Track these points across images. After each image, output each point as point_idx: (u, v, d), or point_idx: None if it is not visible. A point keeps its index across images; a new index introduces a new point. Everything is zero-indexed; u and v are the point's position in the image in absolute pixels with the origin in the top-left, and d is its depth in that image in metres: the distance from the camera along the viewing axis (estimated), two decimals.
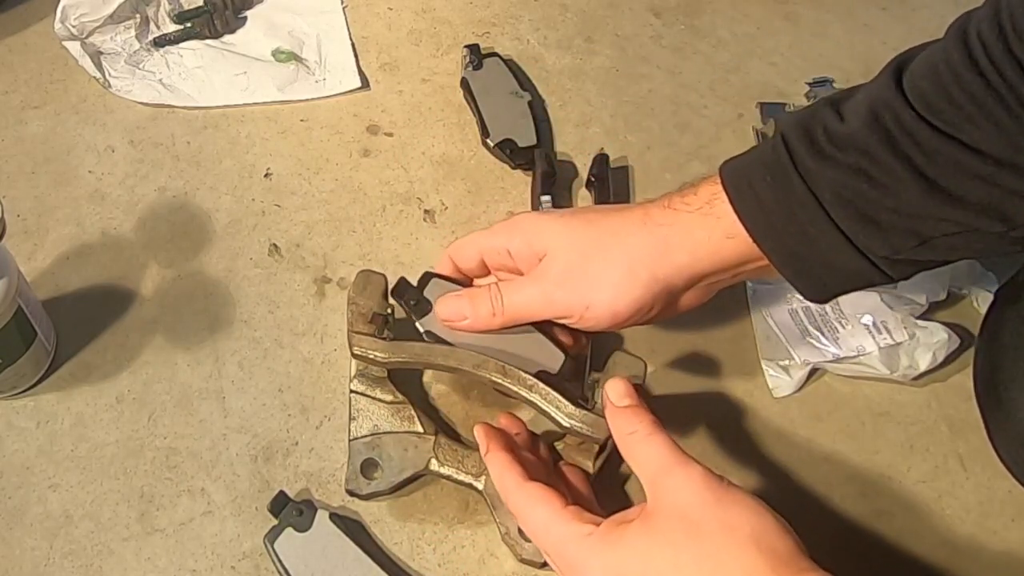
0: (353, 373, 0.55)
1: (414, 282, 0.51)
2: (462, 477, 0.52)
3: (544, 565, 0.51)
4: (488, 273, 0.53)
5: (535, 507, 0.43)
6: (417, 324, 0.51)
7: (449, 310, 0.49)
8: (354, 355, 0.50)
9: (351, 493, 0.52)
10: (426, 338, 0.50)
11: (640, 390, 0.47)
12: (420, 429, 0.53)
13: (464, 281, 0.52)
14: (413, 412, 0.54)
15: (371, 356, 0.49)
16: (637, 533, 0.39)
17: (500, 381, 0.47)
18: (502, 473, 0.45)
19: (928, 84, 0.41)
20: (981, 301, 0.65)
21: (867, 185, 0.42)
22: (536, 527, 0.43)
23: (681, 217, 0.46)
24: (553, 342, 0.50)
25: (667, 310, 0.49)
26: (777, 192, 0.44)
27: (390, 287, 0.52)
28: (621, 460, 0.44)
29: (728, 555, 0.37)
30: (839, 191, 0.43)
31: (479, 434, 0.48)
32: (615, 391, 0.45)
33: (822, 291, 0.47)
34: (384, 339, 0.50)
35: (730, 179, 0.46)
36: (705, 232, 0.46)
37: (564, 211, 0.50)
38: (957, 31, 0.42)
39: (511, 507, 0.45)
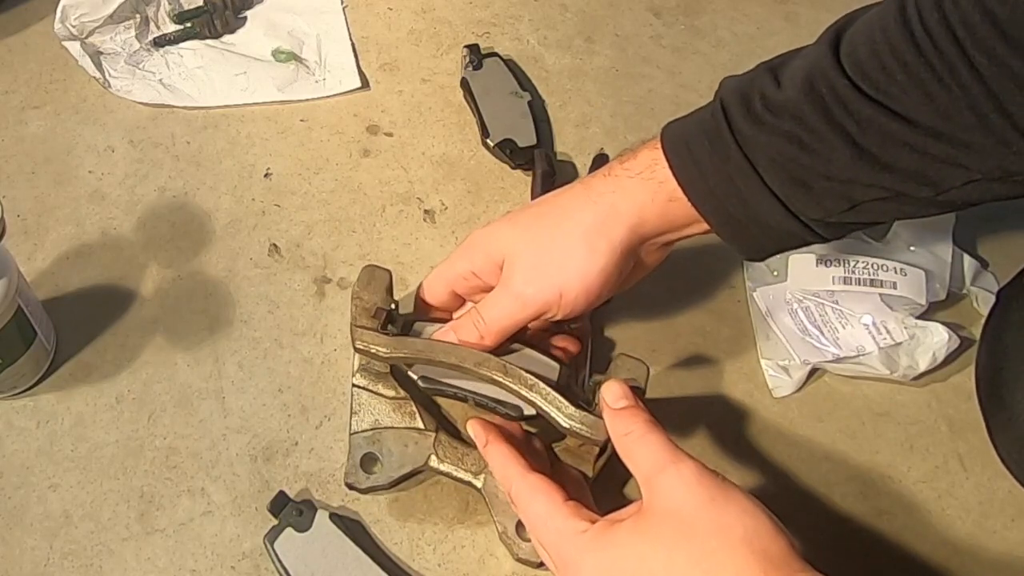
0: (356, 367, 0.55)
1: (412, 284, 0.51)
2: (461, 475, 0.52)
3: (541, 565, 0.51)
4: (463, 303, 0.53)
5: (535, 498, 0.43)
6: (410, 373, 0.51)
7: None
8: (357, 350, 0.50)
9: (350, 486, 0.52)
10: (421, 383, 0.51)
11: (640, 393, 0.47)
12: (421, 425, 0.53)
13: (444, 318, 0.53)
14: (414, 408, 0.54)
15: (373, 351, 0.49)
16: (631, 532, 0.39)
17: (501, 380, 0.47)
18: (504, 463, 0.46)
19: (863, 51, 0.42)
20: (981, 301, 0.65)
21: (800, 151, 0.43)
22: (535, 519, 0.43)
23: (623, 183, 0.48)
24: (546, 355, 0.50)
25: (635, 272, 0.51)
26: (714, 157, 0.45)
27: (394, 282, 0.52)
28: (621, 464, 0.44)
29: (721, 556, 0.37)
30: (774, 157, 0.44)
31: (475, 428, 0.49)
32: (611, 393, 0.45)
33: (759, 251, 0.49)
34: (387, 334, 0.50)
35: (670, 144, 0.47)
36: (648, 195, 0.47)
37: (511, 212, 0.51)
38: (896, 1, 0.42)
39: (512, 496, 0.45)
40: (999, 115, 0.39)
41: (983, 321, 0.62)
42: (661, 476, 0.40)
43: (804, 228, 0.46)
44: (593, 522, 0.41)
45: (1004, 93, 0.38)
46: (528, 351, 0.50)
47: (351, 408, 0.54)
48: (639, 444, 0.42)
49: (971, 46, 0.38)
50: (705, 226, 0.48)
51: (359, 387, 0.54)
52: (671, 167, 0.46)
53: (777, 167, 0.44)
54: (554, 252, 0.47)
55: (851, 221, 0.45)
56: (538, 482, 0.44)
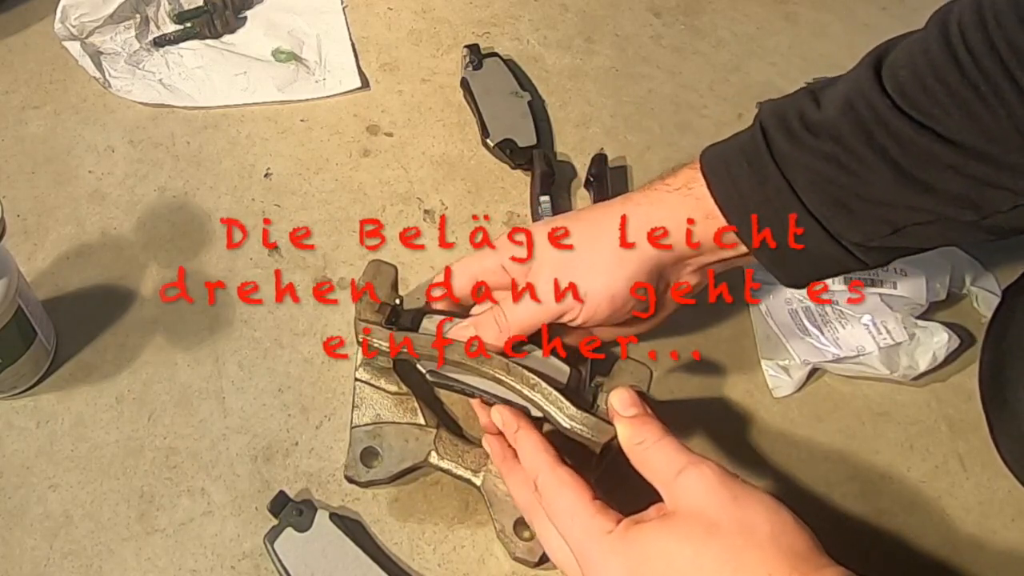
0: (359, 362, 0.55)
1: (413, 284, 0.51)
2: (461, 472, 0.52)
3: (538, 564, 0.51)
4: (480, 300, 0.53)
5: (563, 492, 0.43)
6: (419, 366, 0.51)
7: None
8: (361, 344, 0.50)
9: (350, 480, 0.52)
10: (429, 377, 0.51)
11: (645, 397, 0.47)
12: (422, 421, 0.53)
13: (457, 311, 0.53)
14: (416, 404, 0.54)
15: (378, 346, 0.49)
16: (657, 533, 0.39)
17: (503, 378, 0.47)
18: (535, 451, 0.45)
19: (906, 73, 0.41)
20: (981, 301, 0.65)
21: (840, 172, 0.42)
22: (561, 514, 0.42)
23: (662, 196, 0.47)
24: (557, 358, 0.50)
25: (667, 302, 0.49)
26: (753, 178, 0.44)
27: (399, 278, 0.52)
28: (620, 467, 0.44)
29: (748, 554, 0.37)
30: (813, 177, 0.43)
31: (505, 414, 0.48)
32: (620, 401, 0.44)
33: (798, 276, 0.47)
34: (392, 329, 0.50)
35: (709, 164, 0.46)
36: (686, 210, 0.46)
37: (548, 219, 0.50)
38: (938, 20, 0.42)
39: (539, 486, 0.44)
40: None
41: (984, 321, 0.62)
42: (681, 478, 0.40)
43: (845, 252, 0.44)
44: (619, 523, 0.41)
45: None
46: (539, 354, 0.50)
47: (353, 402, 0.54)
48: (653, 451, 0.42)
49: (1016, 66, 0.38)
50: (742, 249, 0.47)
51: (361, 381, 0.54)
52: (708, 185, 0.46)
53: (816, 188, 0.43)
54: (582, 255, 0.47)
55: (894, 246, 0.44)
56: (567, 476, 0.43)
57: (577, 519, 0.42)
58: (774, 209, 0.44)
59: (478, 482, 0.52)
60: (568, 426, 0.47)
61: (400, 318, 0.52)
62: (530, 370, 0.48)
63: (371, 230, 0.66)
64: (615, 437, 0.45)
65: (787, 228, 0.44)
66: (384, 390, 0.54)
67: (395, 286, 0.53)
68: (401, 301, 0.53)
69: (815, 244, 0.44)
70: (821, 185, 0.43)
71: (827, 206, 0.43)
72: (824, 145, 0.42)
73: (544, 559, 0.51)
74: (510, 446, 0.49)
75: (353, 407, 0.54)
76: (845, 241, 0.44)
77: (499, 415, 0.49)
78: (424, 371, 0.51)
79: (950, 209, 0.41)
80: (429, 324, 0.51)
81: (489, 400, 0.51)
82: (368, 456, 0.53)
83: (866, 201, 0.42)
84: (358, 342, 0.50)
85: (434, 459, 0.52)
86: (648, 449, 0.42)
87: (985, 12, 0.39)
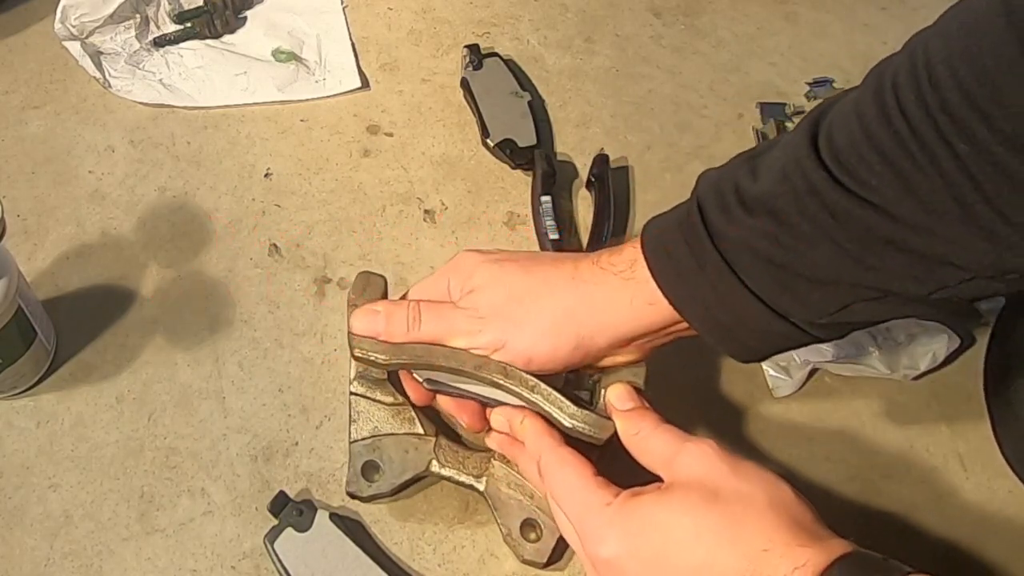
0: (353, 375, 0.55)
1: (412, 284, 0.51)
2: (463, 478, 0.52)
3: (546, 565, 0.51)
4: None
5: (565, 469, 0.43)
6: (415, 375, 0.51)
7: (363, 325, 0.48)
8: (355, 357, 0.50)
9: (352, 495, 0.52)
10: (426, 386, 0.51)
11: (642, 392, 0.47)
12: (420, 431, 0.53)
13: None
14: (413, 414, 0.54)
15: (372, 358, 0.49)
16: (654, 504, 0.39)
17: (501, 382, 0.47)
18: (538, 435, 0.46)
19: (842, 140, 0.39)
20: (983, 301, 0.65)
21: (779, 250, 0.40)
22: (562, 490, 0.43)
23: (607, 278, 0.45)
24: None
25: (588, 364, 0.48)
26: (692, 258, 0.42)
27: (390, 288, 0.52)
28: (620, 465, 0.44)
29: (748, 522, 0.37)
30: (752, 258, 0.41)
31: (506, 411, 0.48)
32: (617, 397, 0.45)
33: (752, 353, 0.45)
34: (384, 341, 0.50)
35: (649, 244, 0.44)
36: (627, 296, 0.44)
37: (502, 253, 0.49)
38: (874, 78, 0.39)
39: (541, 467, 0.45)
40: (985, 206, 0.35)
41: (985, 321, 0.62)
42: (680, 454, 0.40)
43: (796, 329, 0.42)
44: (617, 496, 0.41)
45: (988, 182, 0.35)
46: None
47: (349, 416, 0.54)
48: (651, 438, 0.42)
49: (951, 131, 0.35)
50: (686, 328, 0.45)
51: (357, 395, 0.54)
52: (649, 268, 0.44)
53: (757, 269, 0.41)
54: (521, 308, 0.45)
55: (843, 321, 0.42)
56: (568, 455, 0.44)
57: (576, 494, 0.42)
58: (717, 291, 0.42)
59: (481, 487, 0.52)
60: (570, 425, 0.47)
61: None
62: (527, 372, 0.48)
63: (371, 230, 0.66)
64: (615, 433, 0.45)
65: (733, 310, 0.42)
66: (380, 402, 0.54)
67: (385, 296, 0.53)
68: None
69: (764, 323, 0.42)
70: (762, 266, 0.41)
71: (770, 287, 0.41)
72: (759, 223, 0.40)
73: (552, 560, 0.51)
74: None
75: (350, 421, 0.54)
76: (793, 319, 0.41)
77: (500, 415, 0.49)
78: (421, 379, 0.51)
79: (895, 285, 0.39)
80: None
81: (490, 405, 0.51)
82: (369, 470, 0.52)
83: (809, 280, 0.40)
84: (353, 356, 0.50)
85: (435, 468, 0.52)
86: (646, 437, 0.42)
87: (919, 71, 0.36)
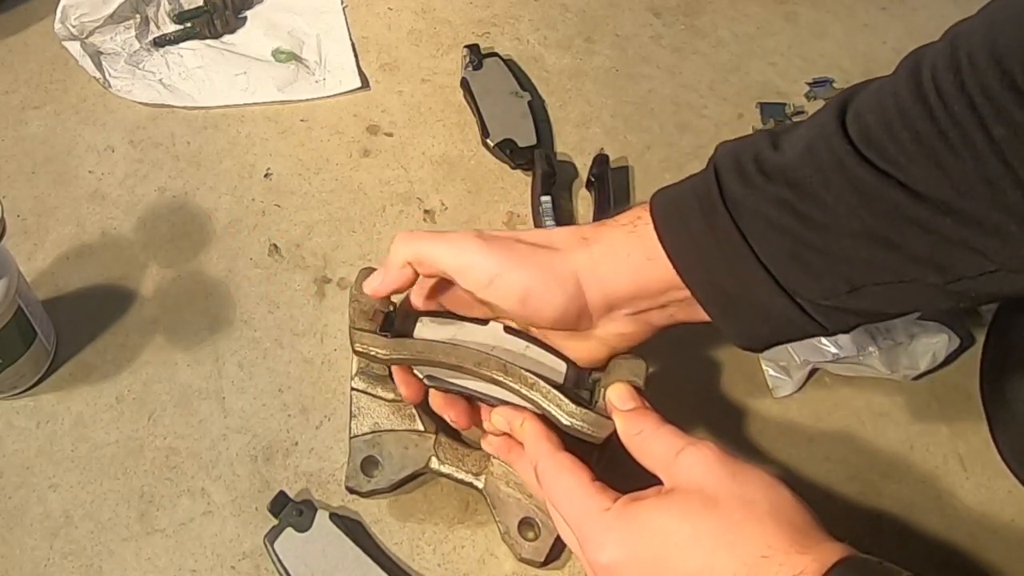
0: (354, 371, 0.55)
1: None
2: (462, 476, 0.52)
3: (544, 564, 0.51)
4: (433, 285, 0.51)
5: (562, 475, 0.43)
6: (416, 372, 0.51)
7: (370, 286, 0.48)
8: (356, 352, 0.50)
9: (351, 490, 0.52)
10: (427, 382, 0.51)
11: (642, 392, 0.47)
12: (421, 427, 0.53)
13: (447, 313, 0.51)
14: (414, 410, 0.54)
15: (372, 353, 0.49)
16: (653, 509, 0.39)
17: (501, 379, 0.47)
18: (537, 439, 0.45)
19: (872, 117, 0.38)
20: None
21: (795, 220, 0.39)
22: (560, 496, 0.43)
23: (608, 232, 0.45)
24: (555, 354, 0.50)
25: (581, 327, 0.46)
26: (703, 222, 0.41)
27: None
28: (619, 465, 0.44)
29: (747, 528, 0.37)
30: (766, 225, 0.40)
31: (506, 412, 0.48)
32: (618, 396, 0.45)
33: (751, 336, 0.44)
34: (385, 336, 0.50)
35: (659, 205, 0.43)
36: (626, 249, 0.43)
37: (510, 232, 0.48)
38: (911, 63, 0.38)
39: (538, 472, 0.44)
40: (1018, 191, 0.34)
41: (984, 321, 0.62)
42: (680, 457, 0.40)
43: (800, 312, 0.41)
44: (616, 501, 0.41)
45: (1023, 168, 0.34)
46: (536, 349, 0.50)
47: (350, 412, 0.54)
48: (652, 439, 0.42)
49: (988, 115, 0.35)
50: (682, 298, 0.43)
51: (358, 390, 0.54)
52: (655, 226, 0.43)
53: (769, 237, 0.40)
54: (518, 249, 0.44)
55: (851, 308, 0.40)
56: (566, 460, 0.44)
57: (575, 500, 0.42)
58: (723, 258, 0.41)
59: (480, 485, 0.52)
60: (568, 423, 0.47)
61: (394, 324, 0.52)
62: (527, 369, 0.48)
63: (371, 230, 0.66)
64: (615, 432, 0.45)
65: (740, 281, 0.41)
66: (381, 398, 0.54)
67: None
68: (394, 307, 0.53)
69: (767, 299, 0.41)
70: (774, 234, 0.40)
71: (780, 257, 0.40)
72: (779, 190, 0.39)
73: (550, 558, 0.51)
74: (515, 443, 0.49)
75: (351, 417, 0.54)
76: (800, 299, 0.40)
77: (500, 415, 0.49)
78: (421, 376, 0.51)
79: (913, 269, 0.38)
80: (423, 329, 0.51)
81: (489, 402, 0.51)
82: (368, 465, 0.53)
83: (822, 254, 0.39)
84: (354, 351, 0.50)
85: (435, 464, 0.52)
86: (647, 438, 0.42)
87: (960, 56, 0.36)
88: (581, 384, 0.50)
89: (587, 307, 0.45)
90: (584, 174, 0.70)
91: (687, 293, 0.43)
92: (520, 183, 0.70)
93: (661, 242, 0.42)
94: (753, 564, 0.36)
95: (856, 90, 0.41)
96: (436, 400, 0.51)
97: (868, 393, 0.61)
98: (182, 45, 0.75)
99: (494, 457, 0.52)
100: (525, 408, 0.49)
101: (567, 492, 0.42)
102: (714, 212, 0.41)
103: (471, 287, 0.45)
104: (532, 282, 0.44)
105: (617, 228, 0.44)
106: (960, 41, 0.37)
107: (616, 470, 0.47)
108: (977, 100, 0.35)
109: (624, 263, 0.44)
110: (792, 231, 0.39)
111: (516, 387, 0.47)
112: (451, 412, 0.50)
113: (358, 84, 0.74)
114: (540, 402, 0.47)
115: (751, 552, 0.36)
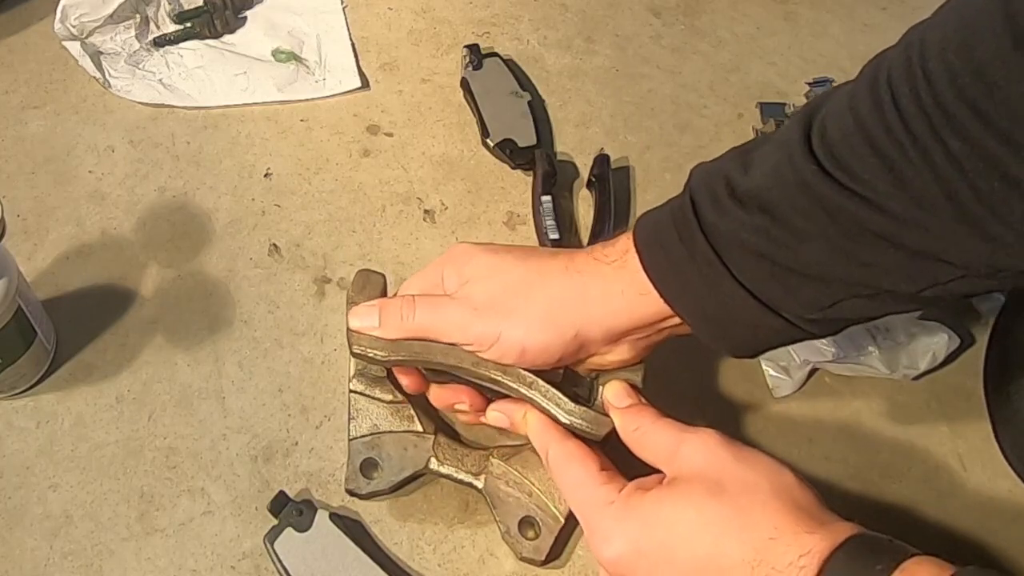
0: (352, 373, 0.55)
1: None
2: (462, 476, 0.52)
3: (545, 563, 0.51)
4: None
5: (571, 463, 0.43)
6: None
7: (358, 321, 0.48)
8: (353, 354, 0.50)
9: (351, 493, 0.52)
10: (428, 376, 0.51)
11: (639, 390, 0.48)
12: (419, 428, 0.53)
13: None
14: (412, 411, 0.54)
15: (370, 355, 0.49)
16: (658, 500, 0.39)
17: (499, 379, 0.47)
18: (543, 428, 0.46)
19: (834, 132, 0.38)
20: (982, 300, 0.65)
21: (769, 244, 0.40)
22: (568, 484, 0.43)
23: (600, 268, 0.45)
24: None
25: (580, 359, 0.47)
26: (683, 249, 0.42)
27: (389, 286, 0.52)
28: (621, 466, 0.44)
29: (753, 511, 0.37)
30: (743, 251, 0.41)
31: (505, 406, 0.48)
32: (615, 394, 0.45)
33: (745, 349, 0.45)
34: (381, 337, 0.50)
35: (641, 235, 0.44)
36: (619, 286, 0.44)
37: (497, 246, 0.48)
38: (870, 72, 0.39)
39: (548, 460, 0.45)
40: (977, 203, 0.35)
41: (984, 321, 0.62)
42: (682, 446, 0.40)
43: (787, 324, 0.42)
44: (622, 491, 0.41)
45: (981, 179, 0.34)
46: None
47: (348, 414, 0.54)
48: (651, 433, 0.42)
49: (944, 127, 0.35)
50: (678, 321, 0.44)
51: (356, 392, 0.54)
52: (640, 260, 0.44)
53: (748, 263, 0.41)
54: (515, 300, 0.45)
55: (835, 317, 0.41)
56: (575, 448, 0.44)
57: (583, 490, 0.42)
58: (709, 283, 0.42)
59: (480, 485, 0.52)
60: (567, 421, 0.47)
61: None
62: (522, 366, 0.48)
63: (371, 230, 0.66)
64: (613, 430, 0.45)
65: (725, 304, 0.42)
66: (379, 400, 0.54)
67: (384, 294, 0.53)
68: None
69: (754, 317, 0.42)
70: (752, 258, 0.40)
71: (760, 281, 0.41)
72: (751, 217, 0.40)
73: (551, 557, 0.51)
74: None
75: (349, 419, 0.54)
76: (785, 314, 0.41)
77: (499, 411, 0.49)
78: (424, 370, 0.51)
79: (886, 281, 0.38)
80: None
81: (489, 395, 0.51)
82: (368, 467, 0.52)
83: (799, 275, 0.40)
84: (352, 353, 0.50)
85: (434, 465, 0.52)
86: (646, 433, 0.42)
87: (914, 64, 0.36)
88: (578, 384, 0.50)
89: (586, 345, 0.46)
90: (584, 174, 0.70)
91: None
92: (520, 183, 0.70)
93: (647, 274, 0.43)
94: (761, 547, 0.36)
95: (820, 102, 0.41)
96: (444, 393, 0.51)
97: (868, 393, 0.61)
98: (182, 45, 0.75)
99: (493, 457, 0.52)
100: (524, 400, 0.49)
101: (575, 483, 0.43)
102: (693, 240, 0.42)
103: (474, 350, 0.47)
104: (528, 340, 0.45)
105: (608, 265, 0.45)
106: (915, 48, 0.37)
107: (625, 459, 0.48)
108: (932, 113, 0.35)
109: (619, 301, 0.44)
110: (768, 254, 0.40)
111: (515, 386, 0.47)
112: (463, 397, 0.50)
113: (358, 84, 0.74)
114: (539, 401, 0.47)
115: (758, 535, 0.36)
